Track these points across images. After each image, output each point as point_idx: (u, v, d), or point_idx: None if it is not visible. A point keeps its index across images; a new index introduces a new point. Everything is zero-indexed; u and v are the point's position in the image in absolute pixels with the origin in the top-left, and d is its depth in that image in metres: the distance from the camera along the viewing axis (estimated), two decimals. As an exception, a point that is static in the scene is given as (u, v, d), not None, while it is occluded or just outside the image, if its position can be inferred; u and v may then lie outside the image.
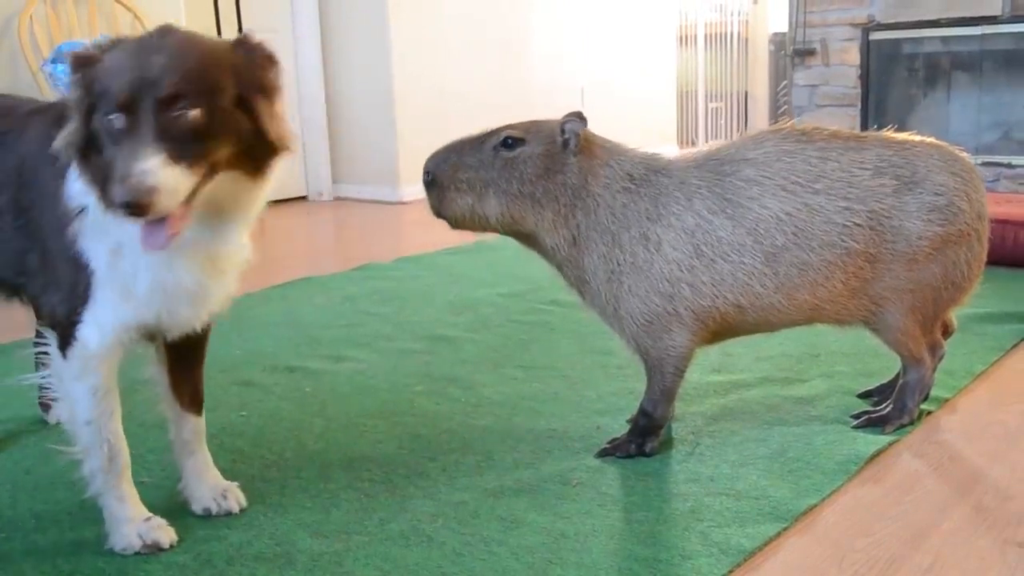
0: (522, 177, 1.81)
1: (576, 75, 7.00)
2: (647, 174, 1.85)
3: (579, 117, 1.83)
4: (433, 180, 1.84)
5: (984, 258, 1.95)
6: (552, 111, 1.94)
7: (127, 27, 4.59)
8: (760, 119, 8.85)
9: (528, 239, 1.88)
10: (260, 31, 5.34)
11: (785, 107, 6.47)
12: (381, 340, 2.77)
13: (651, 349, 1.85)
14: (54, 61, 4.08)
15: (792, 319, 1.89)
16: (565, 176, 1.82)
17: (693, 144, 8.71)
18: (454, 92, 6.09)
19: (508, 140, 1.82)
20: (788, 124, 1.92)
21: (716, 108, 8.94)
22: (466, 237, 3.71)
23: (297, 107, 6.13)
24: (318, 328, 2.91)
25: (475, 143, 1.85)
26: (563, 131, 1.83)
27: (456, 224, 1.87)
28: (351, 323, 2.98)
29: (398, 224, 5.24)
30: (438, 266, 3.83)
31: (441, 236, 4.40)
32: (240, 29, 5.75)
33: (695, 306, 1.82)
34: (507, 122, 1.89)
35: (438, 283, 3.53)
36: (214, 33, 5.59)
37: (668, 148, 7.49)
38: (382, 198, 6.00)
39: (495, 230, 1.87)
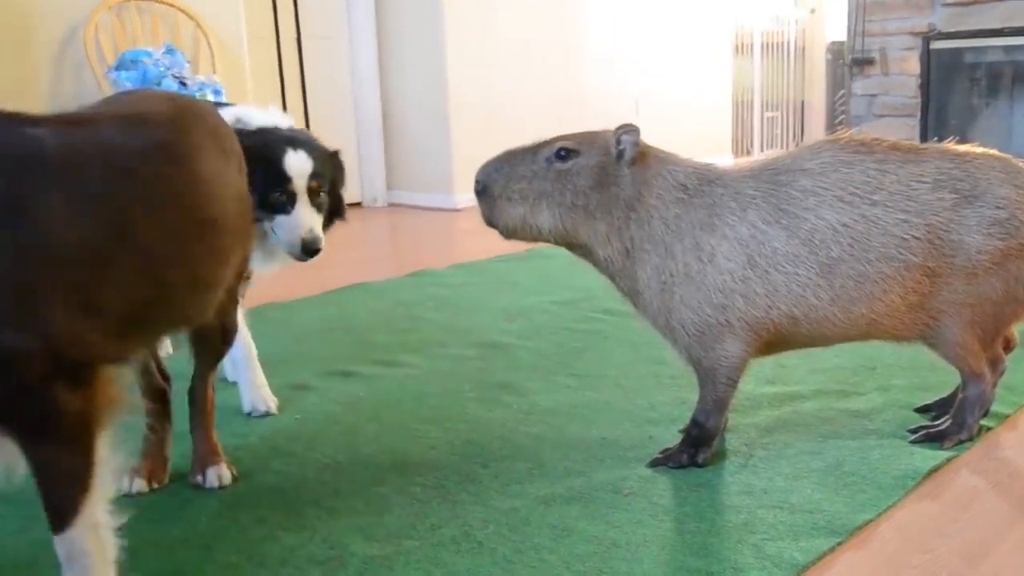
0: (576, 189, 1.81)
1: (630, 84, 6.99)
2: (701, 184, 1.84)
3: (633, 129, 1.83)
4: (485, 189, 1.85)
5: (1048, 273, 1.91)
6: (606, 120, 1.95)
7: (188, 36, 4.67)
8: (817, 129, 8.77)
9: (581, 250, 1.88)
10: (317, 38, 5.41)
11: (843, 117, 6.40)
12: (434, 346, 2.78)
13: (703, 359, 1.84)
14: (118, 68, 4.17)
15: (847, 333, 1.86)
16: (619, 188, 1.82)
17: (748, 154, 8.65)
18: (508, 101, 6.12)
19: (562, 151, 1.82)
20: (846, 134, 1.90)
21: (772, 117, 8.87)
22: (519, 245, 3.71)
23: (353, 114, 6.20)
24: (372, 333, 2.94)
25: (528, 153, 1.85)
26: (618, 142, 1.82)
27: (508, 234, 1.88)
28: (405, 329, 3.00)
29: (452, 231, 5.27)
30: (491, 273, 3.85)
31: (494, 243, 4.41)
32: (299, 37, 5.82)
33: (748, 317, 1.81)
34: (561, 131, 1.90)
35: (491, 290, 3.54)
36: (273, 41, 5.68)
37: (723, 158, 7.45)
38: (436, 205, 6.04)
39: (547, 240, 1.87)
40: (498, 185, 1.84)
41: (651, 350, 2.57)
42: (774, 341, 1.86)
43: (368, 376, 2.48)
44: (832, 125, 8.47)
